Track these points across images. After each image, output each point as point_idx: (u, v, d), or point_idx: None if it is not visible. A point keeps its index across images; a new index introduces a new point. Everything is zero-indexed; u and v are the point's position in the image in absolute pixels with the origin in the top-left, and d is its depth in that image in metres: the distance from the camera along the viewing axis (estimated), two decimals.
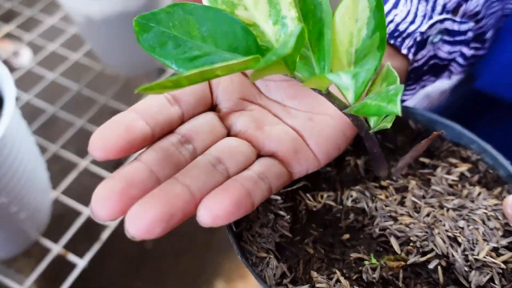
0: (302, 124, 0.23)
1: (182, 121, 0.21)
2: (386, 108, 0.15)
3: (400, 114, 0.14)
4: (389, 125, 0.20)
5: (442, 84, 0.34)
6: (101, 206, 0.17)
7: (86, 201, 0.47)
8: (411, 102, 0.29)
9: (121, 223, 0.19)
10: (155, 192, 0.17)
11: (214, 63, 0.18)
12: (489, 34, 0.30)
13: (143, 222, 0.16)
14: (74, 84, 0.63)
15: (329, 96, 0.19)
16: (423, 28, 0.26)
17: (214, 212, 0.17)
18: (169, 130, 0.20)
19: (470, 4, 0.28)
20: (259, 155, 0.22)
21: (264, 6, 0.18)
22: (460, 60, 0.29)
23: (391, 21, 0.26)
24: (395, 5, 0.27)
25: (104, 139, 0.18)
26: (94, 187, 0.18)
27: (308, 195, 0.25)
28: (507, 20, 0.32)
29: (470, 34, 0.28)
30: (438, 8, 0.27)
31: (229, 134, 0.22)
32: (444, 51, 0.28)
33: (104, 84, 0.65)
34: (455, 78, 0.30)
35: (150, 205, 0.17)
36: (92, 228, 0.45)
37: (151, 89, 0.15)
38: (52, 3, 0.72)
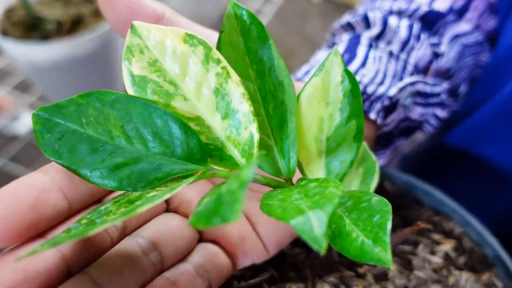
0: (252, 207, 0.18)
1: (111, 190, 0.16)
2: (372, 251, 0.11)
3: (391, 267, 0.11)
4: None
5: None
6: None
7: None
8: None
9: None
10: None
11: (145, 173, 0.13)
12: (462, 88, 0.27)
13: None
14: (26, 136, 0.55)
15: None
16: (392, 92, 0.22)
17: None
18: (92, 202, 0.15)
19: (441, 60, 0.25)
20: (200, 238, 0.17)
21: (210, 97, 0.14)
22: (433, 121, 0.26)
23: (358, 82, 0.22)
24: (363, 64, 0.23)
25: None
26: None
27: None
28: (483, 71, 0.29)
29: (443, 96, 0.25)
30: (409, 67, 0.23)
31: (167, 208, 0.18)
32: (416, 113, 0.25)
33: None
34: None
35: None
36: None
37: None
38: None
